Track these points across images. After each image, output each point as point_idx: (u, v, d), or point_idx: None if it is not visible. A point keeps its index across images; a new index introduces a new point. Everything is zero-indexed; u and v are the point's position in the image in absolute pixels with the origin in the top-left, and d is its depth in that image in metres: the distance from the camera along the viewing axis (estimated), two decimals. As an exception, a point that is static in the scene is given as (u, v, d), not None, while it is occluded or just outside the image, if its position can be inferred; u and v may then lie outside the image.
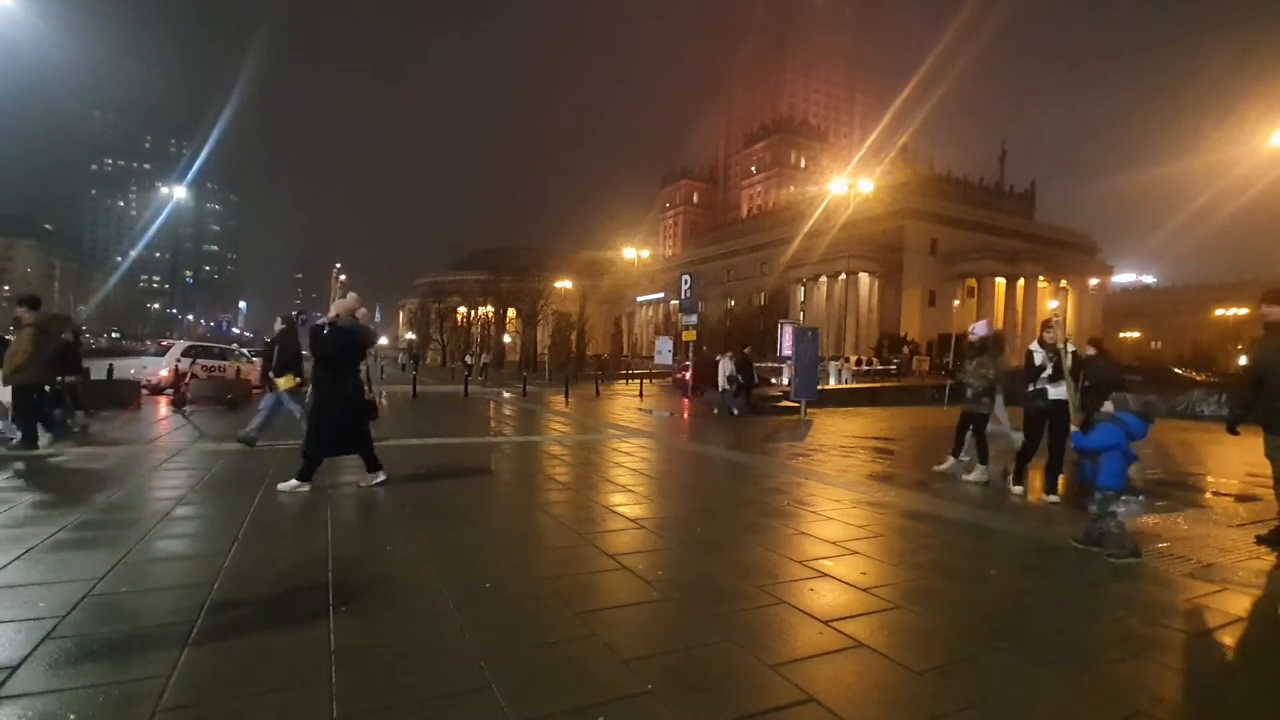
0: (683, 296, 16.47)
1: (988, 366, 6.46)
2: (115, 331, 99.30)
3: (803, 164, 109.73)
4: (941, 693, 2.32)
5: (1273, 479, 4.46)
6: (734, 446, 8.79)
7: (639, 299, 78.05)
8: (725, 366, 14.25)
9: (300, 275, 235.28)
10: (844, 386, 21.98)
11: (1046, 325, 5.81)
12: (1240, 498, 5.21)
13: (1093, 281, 64.20)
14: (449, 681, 2.31)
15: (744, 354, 14.37)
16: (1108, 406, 4.23)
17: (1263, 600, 3.61)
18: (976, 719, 2.17)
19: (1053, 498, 5.64)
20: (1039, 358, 5.63)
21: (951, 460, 6.53)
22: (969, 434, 6.62)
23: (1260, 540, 4.48)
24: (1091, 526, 4.16)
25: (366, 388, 5.60)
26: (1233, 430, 4.74)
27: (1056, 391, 5.46)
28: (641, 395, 19.67)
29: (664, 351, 24.55)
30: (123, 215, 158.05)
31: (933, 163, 69.87)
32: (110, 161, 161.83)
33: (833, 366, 26.27)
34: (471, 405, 15.61)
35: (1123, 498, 4.01)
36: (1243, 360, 4.73)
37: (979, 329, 6.65)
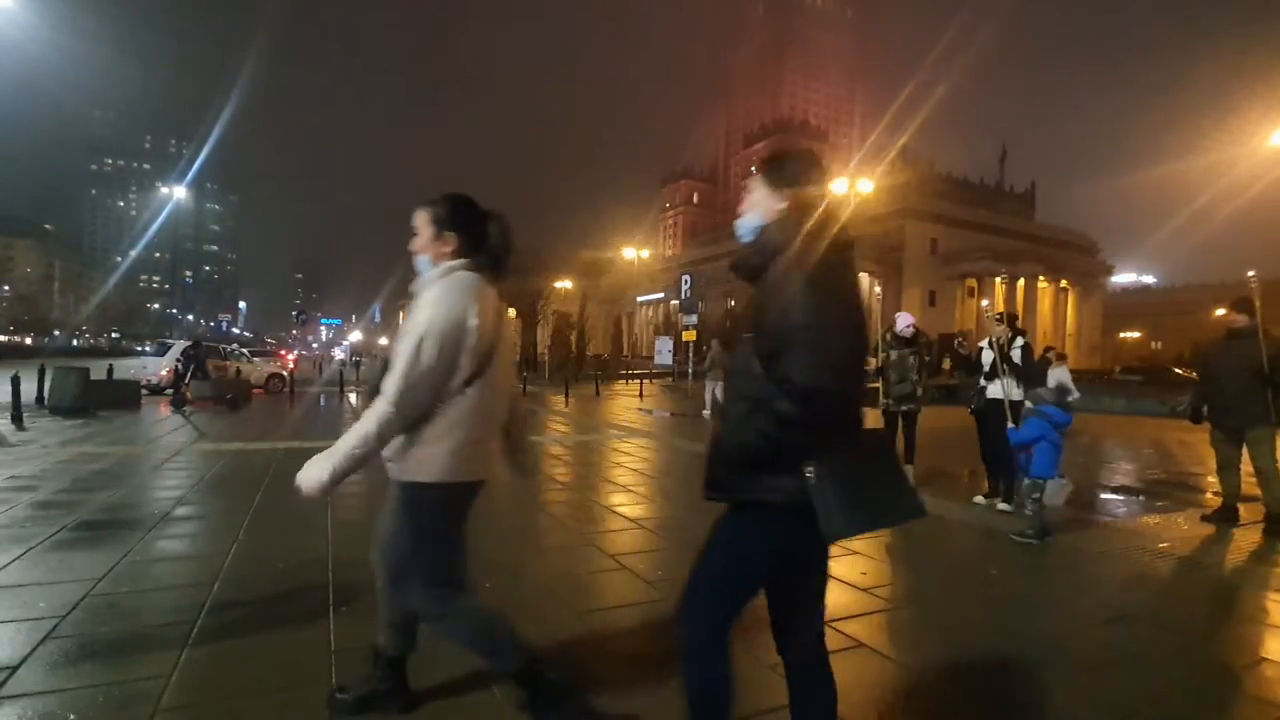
0: (683, 296, 16.50)
1: (924, 365, 6.06)
2: (115, 331, 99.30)
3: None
4: (941, 693, 2.32)
5: (1217, 467, 4.99)
6: (734, 446, 8.79)
7: (639, 299, 78.05)
8: (1058, 377, 11.04)
9: (300, 275, 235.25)
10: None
11: (999, 319, 5.38)
12: (1240, 498, 5.21)
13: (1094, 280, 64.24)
14: (449, 681, 2.31)
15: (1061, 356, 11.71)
16: (1028, 403, 4.51)
17: (1262, 600, 3.61)
18: (976, 719, 2.17)
19: (1003, 506, 5.17)
20: (986, 356, 5.28)
21: (909, 468, 6.19)
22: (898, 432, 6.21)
23: (1205, 519, 5.01)
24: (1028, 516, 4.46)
25: None
26: (1197, 420, 5.17)
27: (994, 390, 5.12)
28: (642, 395, 19.67)
29: (664, 351, 24.58)
30: (123, 215, 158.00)
31: (933, 163, 69.96)
32: (110, 161, 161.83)
33: None
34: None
35: (1050, 481, 4.32)
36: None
37: (909, 321, 6.10)
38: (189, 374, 13.10)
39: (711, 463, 1.49)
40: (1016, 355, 5.13)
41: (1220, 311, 5.57)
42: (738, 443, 1.40)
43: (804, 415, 1.29)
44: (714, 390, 13.02)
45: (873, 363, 6.05)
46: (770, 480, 1.38)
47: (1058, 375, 11.34)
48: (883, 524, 1.42)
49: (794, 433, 1.31)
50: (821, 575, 1.57)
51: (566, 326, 49.13)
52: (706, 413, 12.97)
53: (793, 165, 1.52)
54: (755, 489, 1.41)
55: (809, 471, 1.33)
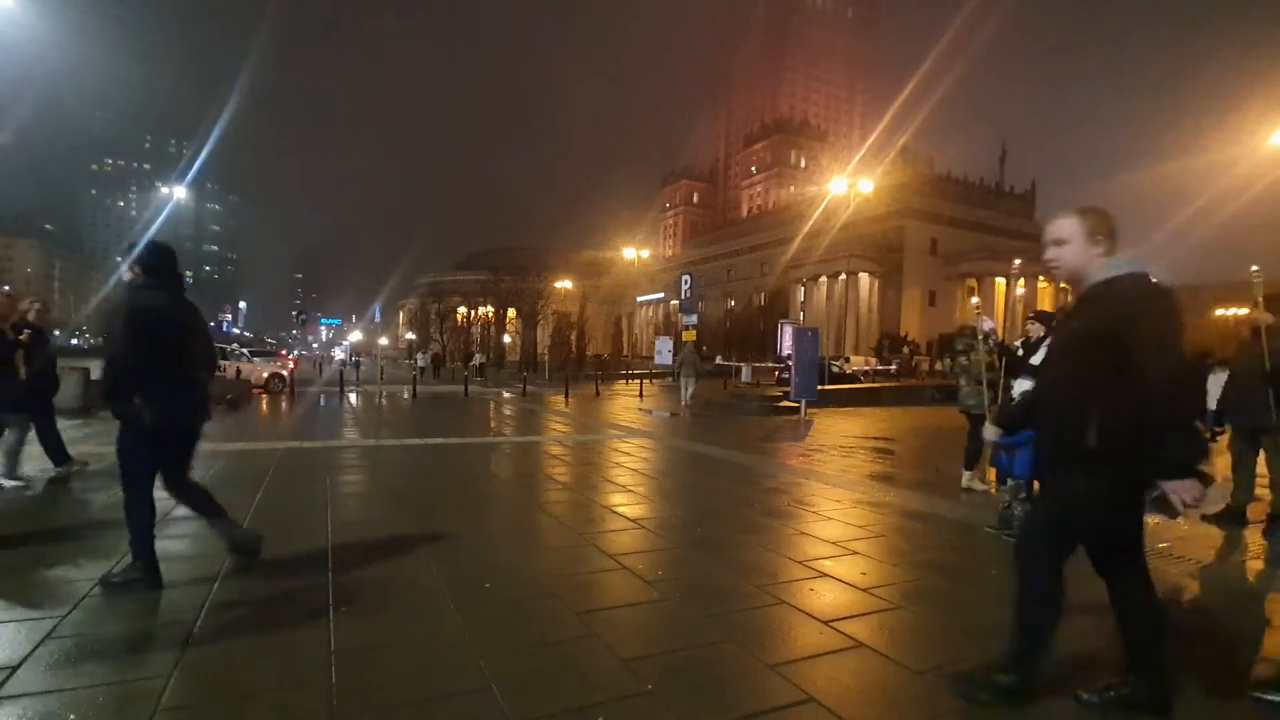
0: (683, 296, 16.47)
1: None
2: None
3: (803, 164, 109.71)
4: (941, 693, 2.32)
5: (1231, 466, 4.91)
6: (734, 446, 8.79)
7: (639, 299, 78.10)
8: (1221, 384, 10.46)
9: (300, 275, 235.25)
10: (844, 387, 21.96)
11: (1029, 317, 5.33)
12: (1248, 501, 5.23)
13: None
14: (449, 681, 2.31)
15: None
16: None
17: (1261, 600, 3.61)
18: (976, 719, 2.17)
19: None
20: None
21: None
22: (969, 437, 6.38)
23: (1206, 519, 4.88)
24: (1004, 513, 4.53)
25: None
26: (1218, 423, 5.02)
27: (1018, 387, 4.94)
28: (641, 395, 19.67)
29: (664, 351, 24.53)
30: (123, 215, 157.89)
31: (933, 163, 69.92)
32: (110, 161, 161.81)
33: (833, 366, 26.26)
34: (471, 405, 15.61)
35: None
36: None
37: (991, 324, 5.90)
38: None
39: None
40: (1041, 350, 4.83)
41: (1239, 311, 5.54)
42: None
43: (106, 372, 3.00)
44: (687, 385, 15.18)
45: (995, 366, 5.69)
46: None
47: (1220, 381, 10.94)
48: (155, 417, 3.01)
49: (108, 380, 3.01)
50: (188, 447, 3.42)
51: (566, 326, 49.16)
52: (683, 403, 15.05)
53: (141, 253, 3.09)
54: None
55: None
